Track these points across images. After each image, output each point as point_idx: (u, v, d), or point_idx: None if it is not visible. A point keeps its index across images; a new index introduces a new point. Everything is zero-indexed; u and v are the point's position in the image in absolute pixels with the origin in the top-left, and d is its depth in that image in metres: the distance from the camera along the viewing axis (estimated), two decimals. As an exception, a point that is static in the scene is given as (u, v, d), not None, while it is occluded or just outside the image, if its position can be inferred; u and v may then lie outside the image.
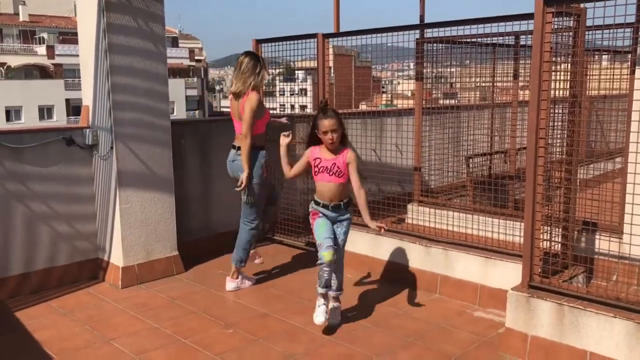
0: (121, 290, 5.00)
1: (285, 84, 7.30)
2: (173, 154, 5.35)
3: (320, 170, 4.01)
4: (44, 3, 46.82)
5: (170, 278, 5.30)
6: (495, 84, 6.25)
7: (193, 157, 5.94)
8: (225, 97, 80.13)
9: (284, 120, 5.54)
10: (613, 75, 5.26)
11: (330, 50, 5.83)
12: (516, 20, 4.43)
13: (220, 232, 6.17)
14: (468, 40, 5.46)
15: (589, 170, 5.02)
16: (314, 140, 4.06)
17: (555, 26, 3.58)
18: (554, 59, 3.60)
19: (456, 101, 6.61)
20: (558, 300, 3.50)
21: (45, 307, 4.65)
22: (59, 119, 42.29)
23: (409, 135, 5.47)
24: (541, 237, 3.69)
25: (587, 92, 4.30)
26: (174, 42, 52.77)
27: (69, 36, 44.08)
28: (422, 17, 6.25)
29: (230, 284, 4.99)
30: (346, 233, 4.14)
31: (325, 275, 3.95)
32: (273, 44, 6.00)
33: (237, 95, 4.85)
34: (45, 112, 42.92)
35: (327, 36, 5.60)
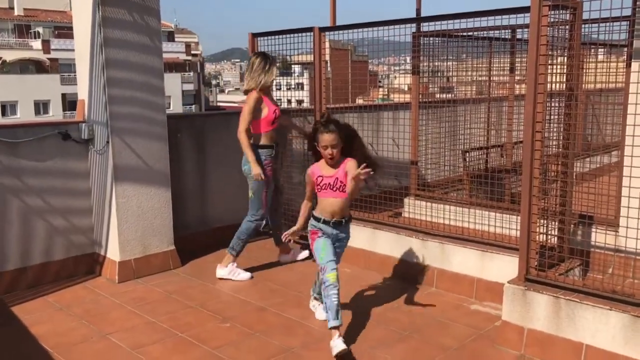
0: (118, 284, 5.00)
1: (281, 78, 7.28)
2: (169, 149, 5.34)
3: (324, 187, 3.83)
4: (39, -3, 46.58)
5: (167, 272, 5.30)
6: (491, 78, 6.25)
7: (189, 152, 5.93)
8: (222, 91, 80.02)
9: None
10: (609, 68, 5.27)
11: (327, 44, 5.82)
12: (512, 14, 4.42)
13: (216, 226, 6.17)
14: (464, 34, 5.45)
15: (585, 163, 5.03)
16: (316, 151, 3.85)
17: (552, 19, 3.57)
18: (550, 52, 3.60)
19: (453, 95, 6.61)
20: (554, 293, 3.52)
21: (42, 301, 4.65)
22: (55, 113, 42.14)
23: (406, 129, 5.46)
24: (537, 230, 3.70)
25: (584, 85, 4.29)
26: (170, 37, 52.57)
27: (65, 30, 43.85)
28: (418, 10, 6.24)
29: (219, 271, 5.10)
30: (343, 248, 4.01)
31: (334, 301, 3.63)
32: (269, 37, 5.99)
33: (247, 94, 5.07)
34: (41, 107, 42.75)
35: (323, 30, 5.59)
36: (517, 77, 6.30)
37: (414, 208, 5.31)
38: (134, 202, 5.13)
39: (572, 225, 4.17)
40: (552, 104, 3.80)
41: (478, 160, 6.36)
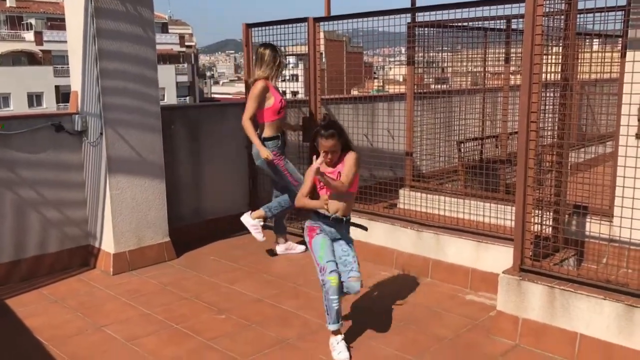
0: (112, 277, 4.99)
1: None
2: (163, 140, 5.32)
3: (323, 187, 3.60)
4: (31, -12, 46.20)
5: (161, 264, 5.29)
6: (486, 69, 6.24)
7: (183, 143, 5.91)
8: (216, 83, 79.72)
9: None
10: (604, 59, 5.26)
11: (322, 35, 5.79)
12: (508, 4, 4.41)
13: (211, 218, 6.16)
14: (459, 24, 5.43)
15: (580, 154, 5.03)
16: (314, 150, 3.68)
17: (547, 9, 3.56)
18: (545, 42, 3.59)
19: (447, 86, 6.60)
20: (549, 283, 3.53)
21: (36, 294, 4.63)
22: (49, 106, 41.87)
23: (401, 120, 5.45)
24: (532, 220, 3.70)
25: (579, 75, 4.29)
26: (164, 28, 52.24)
27: (57, 22, 43.49)
28: (413, 0, 6.21)
29: (246, 216, 5.24)
30: (352, 249, 3.70)
31: (334, 306, 3.49)
32: (263, 28, 5.95)
33: (252, 83, 5.14)
34: (34, 99, 42.47)
35: (317, 20, 5.56)
36: (512, 68, 6.29)
37: (409, 199, 5.31)
38: (128, 194, 5.11)
39: (566, 216, 4.18)
40: (547, 95, 3.80)
41: (473, 151, 6.36)
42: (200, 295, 4.56)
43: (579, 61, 4.14)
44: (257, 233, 5.21)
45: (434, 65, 6.15)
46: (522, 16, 4.00)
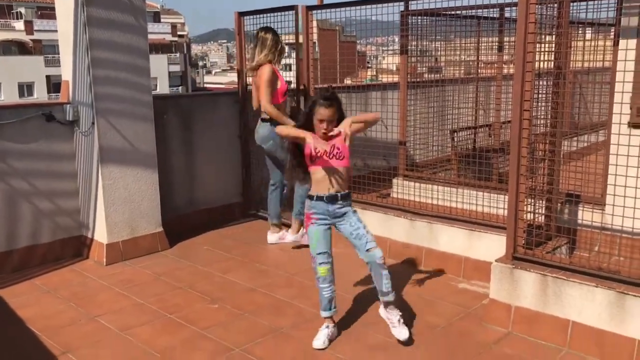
0: (105, 267, 4.98)
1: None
2: (155, 130, 5.29)
3: (318, 155, 3.44)
4: (21, -23, 45.66)
5: (155, 254, 5.28)
6: (479, 58, 6.23)
7: (176, 133, 5.88)
8: (208, 72, 79.27)
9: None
10: (597, 47, 5.26)
11: (314, 24, 5.76)
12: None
13: (204, 208, 6.15)
14: (453, 12, 5.41)
15: (572, 142, 5.04)
16: (308, 120, 3.53)
17: (540, -3, 3.55)
18: (538, 31, 3.58)
19: (441, 75, 6.58)
20: (541, 271, 3.54)
21: (29, 284, 4.62)
22: (40, 96, 41.53)
23: (394, 110, 5.45)
24: (525, 209, 3.71)
25: (572, 64, 4.29)
26: (156, 17, 51.85)
27: (48, 11, 43.05)
28: (407, -11, 6.17)
29: (290, 236, 5.39)
30: (361, 220, 3.57)
31: (324, 293, 3.52)
32: (256, 16, 5.92)
33: (255, 69, 5.12)
34: (25, 89, 42.13)
35: (310, 8, 5.54)
36: (505, 57, 6.28)
37: (403, 188, 5.31)
38: (121, 184, 5.09)
39: (559, 204, 4.20)
40: (540, 84, 3.80)
41: (466, 140, 6.37)
42: (194, 284, 4.56)
43: (572, 49, 4.13)
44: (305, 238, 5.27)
45: (427, 54, 6.14)
46: (515, 4, 4.00)
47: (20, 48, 44.22)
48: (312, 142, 3.38)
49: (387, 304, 3.59)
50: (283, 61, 5.88)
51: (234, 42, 6.37)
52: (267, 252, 5.36)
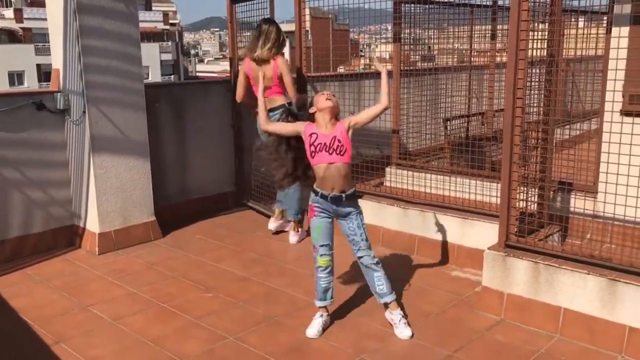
0: (98, 256, 4.96)
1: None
2: (148, 118, 5.26)
3: (318, 148, 3.37)
4: (10, -36, 45.13)
5: (147, 244, 5.26)
6: (473, 46, 6.22)
7: (168, 122, 5.85)
8: (201, 61, 78.80)
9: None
10: (589, 35, 5.26)
11: (307, 11, 5.72)
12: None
13: (197, 197, 6.13)
14: (446, 0, 5.39)
15: (565, 130, 5.05)
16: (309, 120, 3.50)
17: (534, -16, 3.54)
18: (531, 19, 3.57)
19: (434, 64, 6.57)
20: (534, 259, 3.56)
21: (21, 274, 4.60)
22: (30, 84, 41.19)
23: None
24: (517, 197, 3.72)
25: (565, 52, 4.29)
26: (147, 5, 51.42)
27: (38, -1, 42.68)
28: (400, -24, 6.14)
29: (293, 238, 5.25)
30: (361, 227, 3.54)
31: (321, 283, 3.54)
32: (248, 3, 5.86)
33: (262, 62, 5.07)
34: (15, 78, 41.75)
35: (303, -4, 5.49)
36: (498, 45, 6.27)
37: (396, 177, 5.31)
38: (113, 173, 5.06)
39: (551, 192, 4.21)
40: (533, 72, 3.79)
41: (459, 128, 6.37)
42: (187, 274, 4.56)
43: (565, 37, 4.13)
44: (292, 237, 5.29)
45: (420, 42, 6.12)
46: (508, -8, 3.98)
47: (10, 36, 43.78)
48: (307, 130, 3.41)
49: (386, 305, 3.60)
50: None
51: (226, 31, 6.32)
52: (261, 241, 5.35)
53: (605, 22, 4.46)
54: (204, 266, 4.74)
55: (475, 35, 6.24)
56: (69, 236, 5.21)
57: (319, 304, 3.62)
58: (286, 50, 6.11)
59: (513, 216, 3.72)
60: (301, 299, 4.03)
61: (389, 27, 6.09)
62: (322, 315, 3.61)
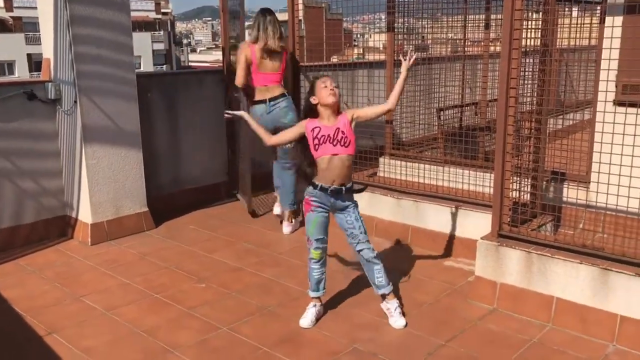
0: (90, 247, 4.94)
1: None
2: (140, 108, 5.22)
3: (322, 140, 3.34)
4: (-1, -48, 44.55)
5: (140, 234, 5.25)
6: (466, 36, 6.20)
7: (160, 111, 5.81)
8: (193, 50, 78.31)
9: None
10: (583, 25, 5.25)
11: (300, 0, 5.69)
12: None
13: (190, 187, 6.11)
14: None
15: (558, 120, 5.06)
16: (308, 112, 3.45)
17: (528, -27, 3.52)
18: (525, 8, 3.56)
19: (427, 53, 6.55)
20: (526, 249, 3.57)
21: (13, 265, 4.57)
22: (21, 74, 40.89)
23: (381, 88, 5.42)
24: (510, 187, 3.73)
25: (559, 42, 4.28)
26: (139, -6, 51.03)
27: (28, -13, 42.21)
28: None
29: (287, 228, 5.23)
30: (359, 219, 3.52)
31: (314, 274, 3.56)
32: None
33: (272, 51, 5.02)
34: (5, 67, 41.44)
35: (296, -15, 5.45)
36: (492, 35, 6.26)
37: (389, 167, 5.31)
38: (105, 164, 5.03)
39: (544, 182, 4.22)
40: (527, 61, 3.79)
41: (453, 118, 6.36)
42: (180, 264, 4.55)
43: (559, 26, 4.12)
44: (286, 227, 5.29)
45: (414, 32, 6.09)
46: (502, -19, 3.96)
47: (0, 26, 43.35)
48: (309, 126, 3.39)
49: (384, 296, 3.60)
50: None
51: (219, 20, 6.27)
52: (254, 231, 5.34)
53: (598, 11, 4.45)
54: (197, 257, 4.73)
55: (469, 25, 6.22)
56: (61, 227, 5.19)
57: (312, 294, 3.63)
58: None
59: (506, 206, 3.73)
60: (295, 290, 4.04)
61: (383, 17, 6.06)
62: (315, 306, 3.61)
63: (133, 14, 5.08)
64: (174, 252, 4.81)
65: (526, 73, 3.80)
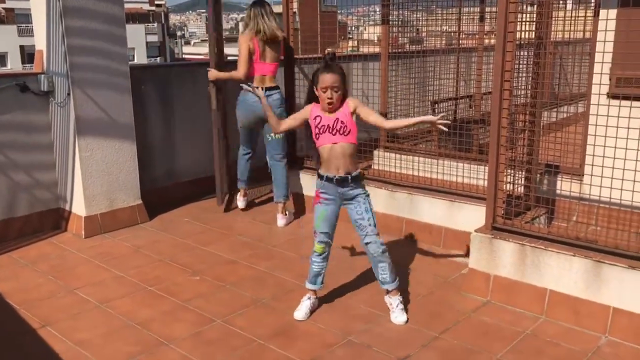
0: (84, 239, 4.93)
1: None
2: (134, 101, 5.19)
3: (322, 130, 3.35)
4: (-9, -57, 44.16)
5: (134, 227, 5.23)
6: (461, 28, 6.20)
7: (154, 104, 5.78)
8: (187, 43, 77.90)
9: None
10: (577, 18, 5.26)
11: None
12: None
13: (184, 180, 6.09)
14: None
15: (552, 113, 5.07)
16: (312, 97, 3.44)
17: (523, -34, 3.52)
18: (520, 1, 3.56)
19: (422, 46, 6.55)
20: (520, 241, 3.58)
21: (6, 258, 4.56)
22: (14, 66, 40.63)
23: (375, 81, 5.41)
24: (504, 179, 3.73)
25: (553, 35, 4.29)
26: (132, -14, 50.74)
27: (20, -22, 41.86)
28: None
29: (281, 221, 5.24)
30: (369, 211, 3.45)
31: (314, 267, 3.56)
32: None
33: (271, 40, 5.07)
34: (-3, 59, 41.21)
35: (290, -23, 5.43)
36: (486, 27, 6.26)
37: (384, 160, 5.31)
38: (99, 156, 5.01)
39: (538, 175, 4.23)
40: (521, 54, 3.79)
41: (447, 111, 6.36)
42: (174, 257, 4.54)
43: (554, 19, 4.12)
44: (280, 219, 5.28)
45: (408, 24, 6.09)
46: (497, -26, 3.95)
47: (-8, 17, 43.05)
48: (312, 113, 3.39)
49: (387, 291, 3.60)
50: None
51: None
52: (249, 224, 5.34)
53: (593, 4, 4.45)
54: (191, 249, 4.72)
55: (464, 18, 6.21)
56: (54, 219, 5.17)
57: (308, 286, 3.62)
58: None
59: (500, 199, 3.74)
60: (289, 282, 4.04)
61: (377, 9, 6.05)
62: (309, 298, 3.62)
63: (127, 5, 5.04)
64: (168, 245, 4.80)
65: (520, 66, 3.80)
